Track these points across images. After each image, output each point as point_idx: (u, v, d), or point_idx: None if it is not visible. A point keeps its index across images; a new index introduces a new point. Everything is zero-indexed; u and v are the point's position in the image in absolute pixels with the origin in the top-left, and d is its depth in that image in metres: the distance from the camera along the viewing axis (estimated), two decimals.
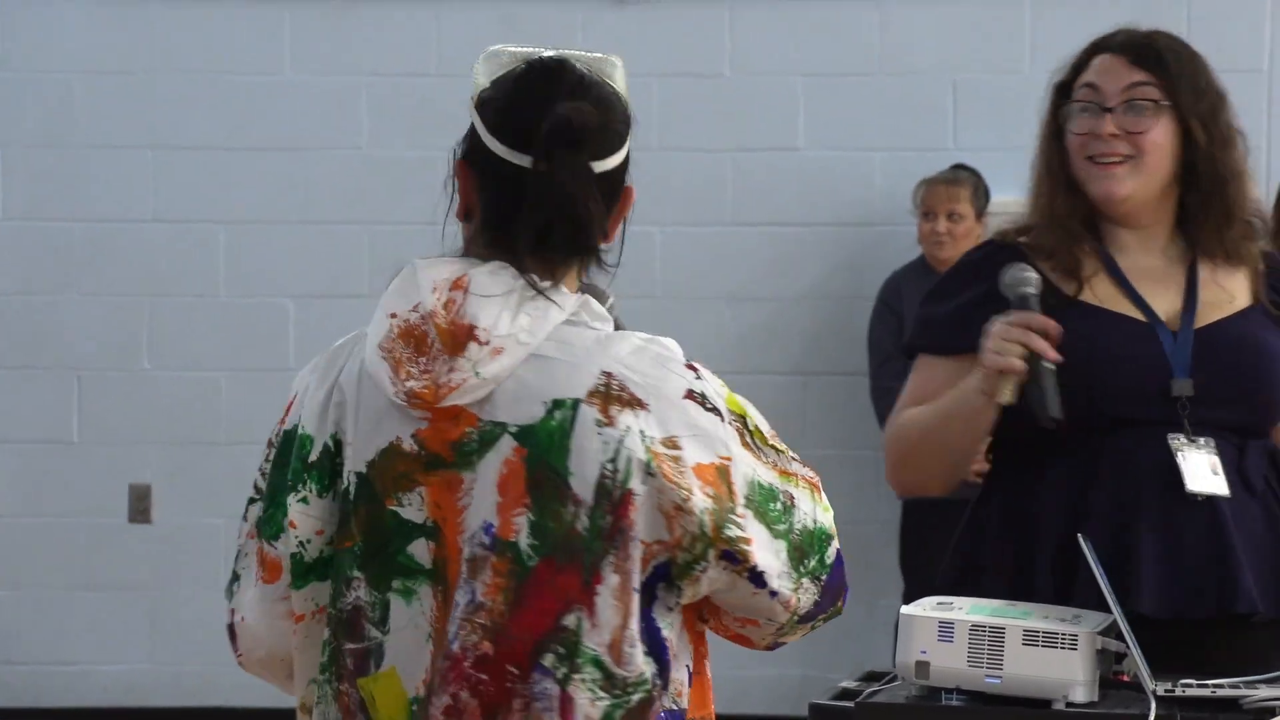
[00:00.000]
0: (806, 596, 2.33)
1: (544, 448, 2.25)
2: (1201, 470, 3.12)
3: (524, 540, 2.25)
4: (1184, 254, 3.25)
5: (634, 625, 2.26)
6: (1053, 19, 6.68)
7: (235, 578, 2.40)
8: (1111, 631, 2.88)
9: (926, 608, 2.95)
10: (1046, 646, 2.86)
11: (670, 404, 2.27)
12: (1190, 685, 2.83)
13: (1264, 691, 2.85)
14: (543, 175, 2.30)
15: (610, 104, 2.34)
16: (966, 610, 2.93)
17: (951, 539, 3.34)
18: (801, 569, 2.31)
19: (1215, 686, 2.84)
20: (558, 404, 2.26)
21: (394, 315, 2.29)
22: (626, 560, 2.25)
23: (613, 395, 2.26)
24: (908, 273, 6.41)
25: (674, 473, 2.25)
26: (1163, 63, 3.23)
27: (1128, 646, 2.83)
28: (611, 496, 2.25)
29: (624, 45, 6.62)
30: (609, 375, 2.26)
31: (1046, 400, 3.02)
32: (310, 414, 2.33)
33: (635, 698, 2.27)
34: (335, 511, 2.33)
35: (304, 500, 2.33)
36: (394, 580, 2.29)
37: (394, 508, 2.29)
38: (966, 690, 2.90)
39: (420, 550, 2.28)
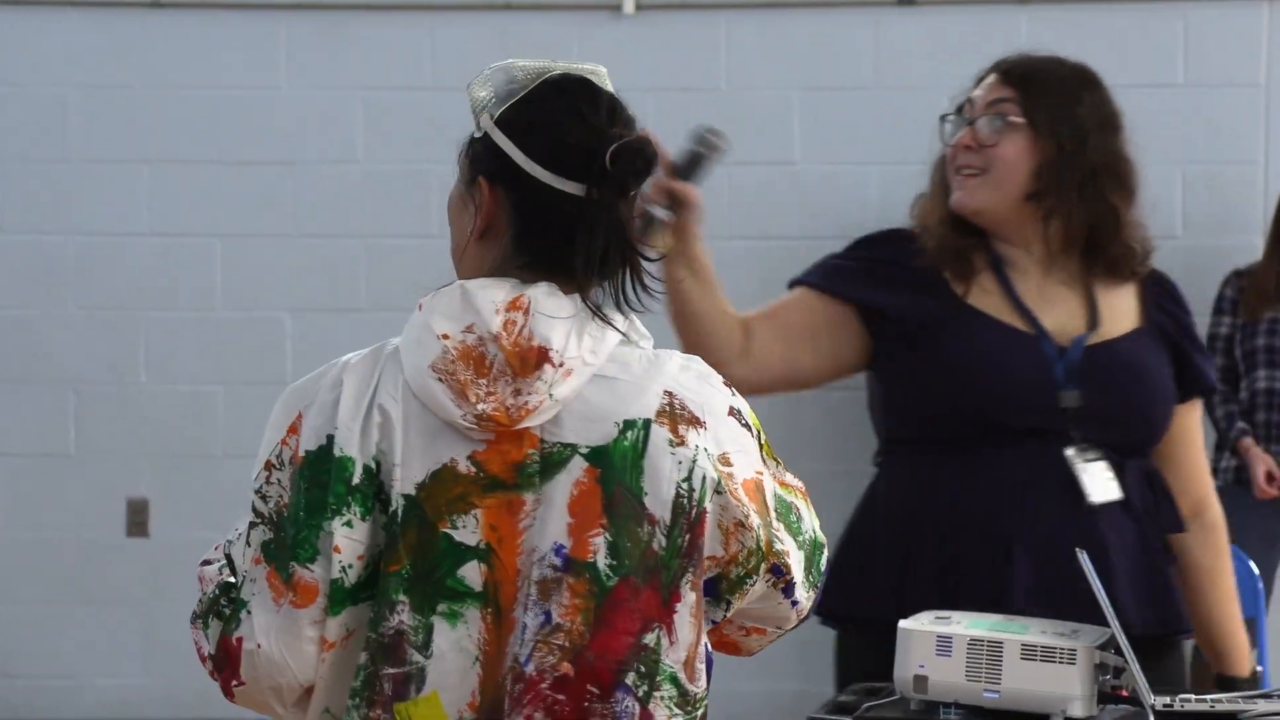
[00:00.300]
0: (809, 604, 2.43)
1: (618, 469, 2.26)
2: (1099, 480, 3.23)
3: (602, 561, 2.25)
4: (1080, 273, 3.34)
5: (704, 642, 2.31)
6: (1048, 33, 6.68)
7: (241, 604, 2.34)
8: (1109, 646, 2.88)
9: (924, 622, 2.96)
10: (1045, 661, 2.86)
11: (720, 421, 2.31)
12: (1189, 700, 2.83)
13: (1263, 706, 2.85)
14: (597, 203, 2.30)
15: (636, 123, 2.36)
16: (965, 625, 2.94)
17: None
18: (810, 578, 2.40)
19: (1214, 701, 2.84)
20: (629, 424, 2.27)
21: (446, 337, 2.27)
22: (700, 578, 2.29)
23: (677, 414, 2.28)
24: None
25: (735, 490, 2.29)
26: (1027, 82, 3.36)
27: (1126, 661, 2.83)
28: (689, 515, 2.27)
29: (620, 59, 6.64)
30: (670, 394, 2.29)
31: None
32: (348, 435, 2.29)
33: (699, 713, 2.32)
34: (377, 535, 2.30)
35: (349, 524, 2.29)
36: (439, 604, 2.28)
37: (447, 530, 2.27)
38: (965, 705, 2.90)
39: (471, 573, 2.27)
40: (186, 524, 6.77)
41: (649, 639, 2.26)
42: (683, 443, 2.27)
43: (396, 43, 6.72)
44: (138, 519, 6.79)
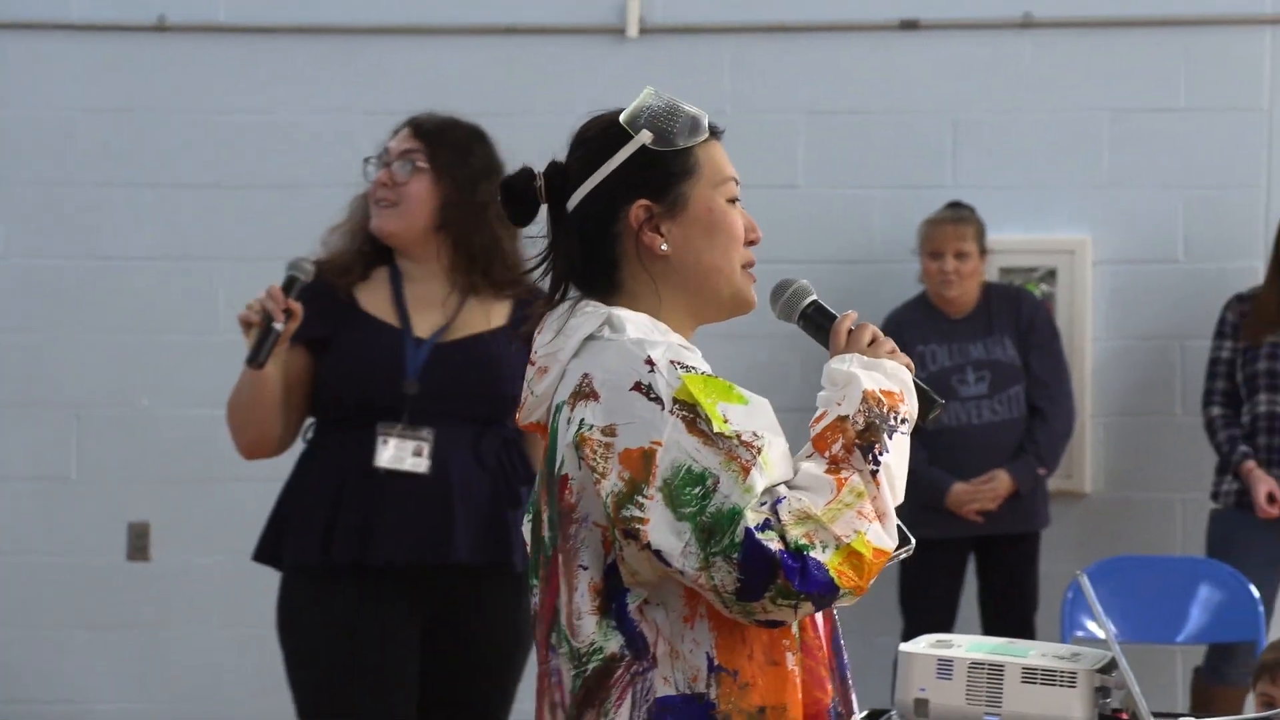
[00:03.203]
0: (721, 575, 2.38)
1: (550, 448, 2.51)
2: (400, 453, 4.11)
3: (546, 532, 2.52)
4: (466, 286, 4.22)
5: (579, 600, 2.45)
6: (1050, 57, 6.68)
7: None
8: (1109, 669, 2.88)
9: (925, 645, 2.95)
10: (1045, 684, 2.85)
11: (619, 394, 2.45)
12: None
13: None
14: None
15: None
16: (965, 648, 2.93)
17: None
18: (709, 548, 2.38)
19: None
20: (557, 407, 2.52)
21: None
22: (568, 540, 2.46)
23: (582, 392, 2.47)
24: (908, 310, 6.41)
25: (595, 457, 2.43)
26: (431, 135, 4.26)
27: (1127, 683, 2.82)
28: (556, 481, 2.48)
29: (624, 82, 6.62)
30: (587, 375, 2.48)
31: (256, 348, 4.05)
32: None
33: (591, 666, 2.45)
34: None
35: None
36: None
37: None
38: None
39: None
40: (188, 548, 6.77)
41: (560, 601, 2.48)
42: (571, 417, 2.47)
43: (401, 66, 6.72)
44: (139, 543, 6.78)
